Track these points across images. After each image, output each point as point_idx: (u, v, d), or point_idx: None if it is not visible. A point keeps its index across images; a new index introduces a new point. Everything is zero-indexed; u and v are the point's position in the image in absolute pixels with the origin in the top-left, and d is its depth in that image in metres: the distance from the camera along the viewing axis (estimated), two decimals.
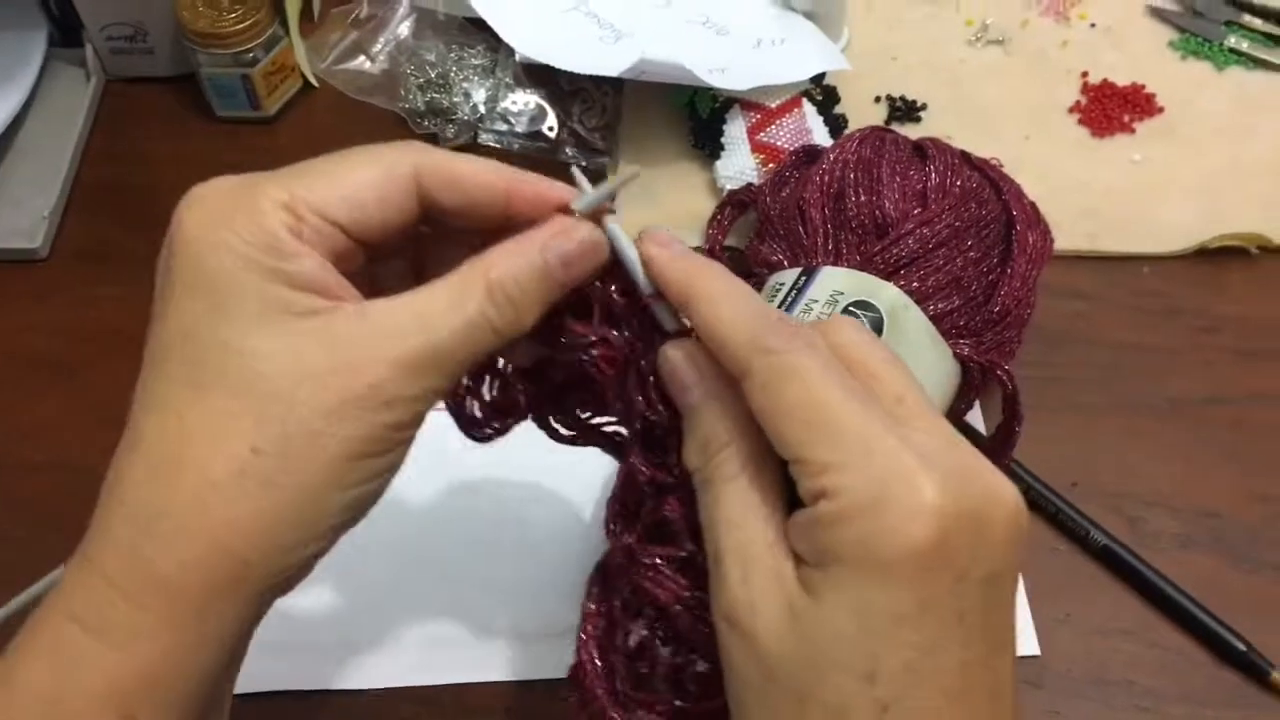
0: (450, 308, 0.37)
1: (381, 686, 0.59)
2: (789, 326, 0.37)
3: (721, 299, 0.38)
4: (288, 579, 0.37)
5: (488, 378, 0.44)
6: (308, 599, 0.60)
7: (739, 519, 0.37)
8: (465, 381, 0.43)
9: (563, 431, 0.46)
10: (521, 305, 0.38)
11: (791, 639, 0.34)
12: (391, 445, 0.37)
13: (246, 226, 0.36)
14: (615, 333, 0.41)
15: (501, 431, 0.45)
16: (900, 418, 0.36)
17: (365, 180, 0.38)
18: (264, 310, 0.36)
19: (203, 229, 0.37)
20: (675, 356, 0.40)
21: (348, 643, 0.60)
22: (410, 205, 0.39)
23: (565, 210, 0.40)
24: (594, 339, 0.41)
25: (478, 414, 0.45)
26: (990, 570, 0.35)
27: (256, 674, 0.57)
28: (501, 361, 0.44)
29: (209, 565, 0.35)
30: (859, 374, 0.37)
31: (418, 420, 0.38)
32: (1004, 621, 0.36)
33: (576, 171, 0.42)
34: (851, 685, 0.34)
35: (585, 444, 0.47)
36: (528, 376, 0.44)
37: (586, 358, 0.41)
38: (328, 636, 0.60)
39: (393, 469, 0.38)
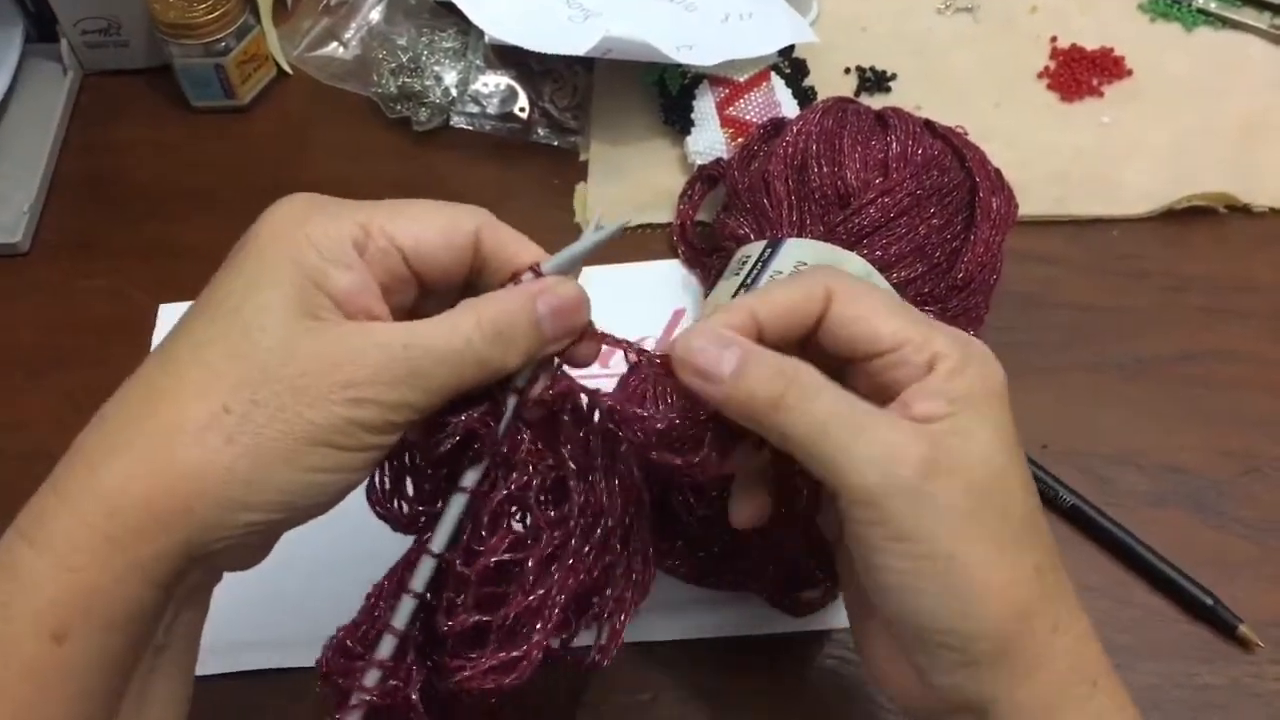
0: (440, 334, 0.41)
1: None
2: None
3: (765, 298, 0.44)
4: (227, 541, 0.39)
5: (408, 478, 0.46)
6: (290, 578, 0.61)
7: (849, 410, 0.41)
8: (386, 486, 0.46)
9: None
10: (510, 344, 0.42)
11: (955, 470, 0.40)
12: (356, 445, 0.40)
13: (319, 226, 0.41)
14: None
15: (431, 520, 0.47)
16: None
17: (435, 222, 0.43)
18: (288, 300, 0.39)
19: (281, 223, 0.41)
20: (700, 338, 0.43)
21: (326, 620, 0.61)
22: (466, 255, 0.43)
23: (535, 269, 0.44)
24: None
25: (406, 511, 0.46)
26: None
27: (238, 653, 0.59)
28: (414, 459, 0.46)
29: (151, 496, 0.37)
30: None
31: (389, 429, 0.40)
32: None
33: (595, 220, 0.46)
34: (1019, 489, 0.42)
35: None
36: (438, 465, 0.46)
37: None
38: (308, 615, 0.61)
39: (354, 472, 0.41)
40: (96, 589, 0.37)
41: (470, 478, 0.44)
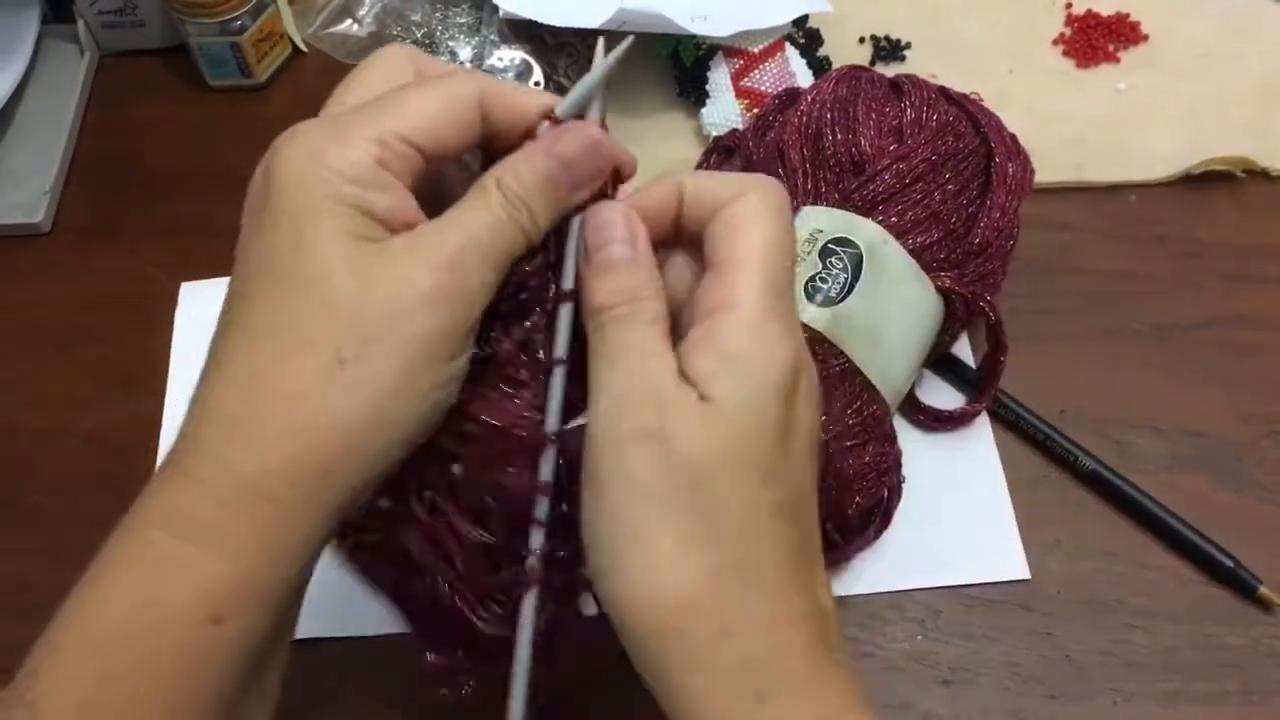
0: (479, 212, 0.40)
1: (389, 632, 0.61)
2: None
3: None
4: (355, 494, 0.39)
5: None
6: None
7: (655, 351, 0.40)
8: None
9: None
10: (532, 205, 0.41)
11: (665, 443, 0.38)
12: (455, 347, 0.39)
13: (338, 159, 0.39)
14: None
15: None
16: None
17: (441, 106, 0.41)
18: (337, 239, 0.38)
19: (297, 162, 0.39)
20: (610, 213, 0.42)
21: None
22: (476, 124, 0.42)
23: (551, 116, 0.42)
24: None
25: None
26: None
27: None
28: None
29: (292, 471, 0.37)
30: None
31: (476, 319, 0.40)
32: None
33: (600, 46, 0.44)
34: (742, 483, 0.38)
35: None
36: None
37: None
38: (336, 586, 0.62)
39: (455, 379, 0.40)
40: (252, 574, 0.37)
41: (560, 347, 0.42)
